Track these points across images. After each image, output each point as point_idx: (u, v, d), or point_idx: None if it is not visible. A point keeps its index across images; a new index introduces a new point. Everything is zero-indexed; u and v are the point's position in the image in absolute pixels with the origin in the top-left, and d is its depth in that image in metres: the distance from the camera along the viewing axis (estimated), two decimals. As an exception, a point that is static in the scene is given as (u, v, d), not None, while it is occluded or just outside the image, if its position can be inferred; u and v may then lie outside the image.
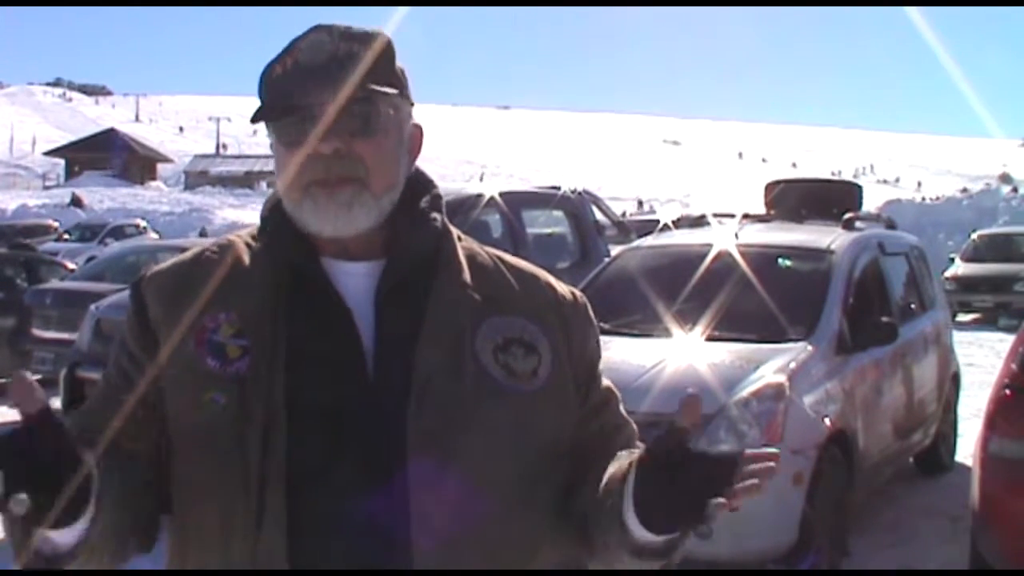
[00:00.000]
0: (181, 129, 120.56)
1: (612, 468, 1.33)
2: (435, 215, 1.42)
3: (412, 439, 1.28)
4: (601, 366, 1.50)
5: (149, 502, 1.32)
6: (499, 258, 1.47)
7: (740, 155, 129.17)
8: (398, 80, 1.37)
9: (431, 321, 1.34)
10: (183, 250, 1.49)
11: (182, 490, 1.34)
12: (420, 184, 1.44)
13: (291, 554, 1.26)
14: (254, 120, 1.37)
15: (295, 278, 1.36)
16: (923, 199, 35.63)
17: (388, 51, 1.37)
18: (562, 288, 1.49)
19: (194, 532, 1.32)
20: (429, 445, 1.28)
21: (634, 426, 1.49)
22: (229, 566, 1.28)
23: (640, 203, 46.93)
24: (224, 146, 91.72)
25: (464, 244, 1.45)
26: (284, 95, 1.33)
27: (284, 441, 1.28)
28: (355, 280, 1.37)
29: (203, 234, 28.21)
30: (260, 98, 1.37)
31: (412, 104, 1.41)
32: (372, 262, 1.37)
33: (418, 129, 1.43)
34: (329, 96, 1.30)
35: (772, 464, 1.19)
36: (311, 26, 1.37)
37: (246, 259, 1.39)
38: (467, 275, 1.40)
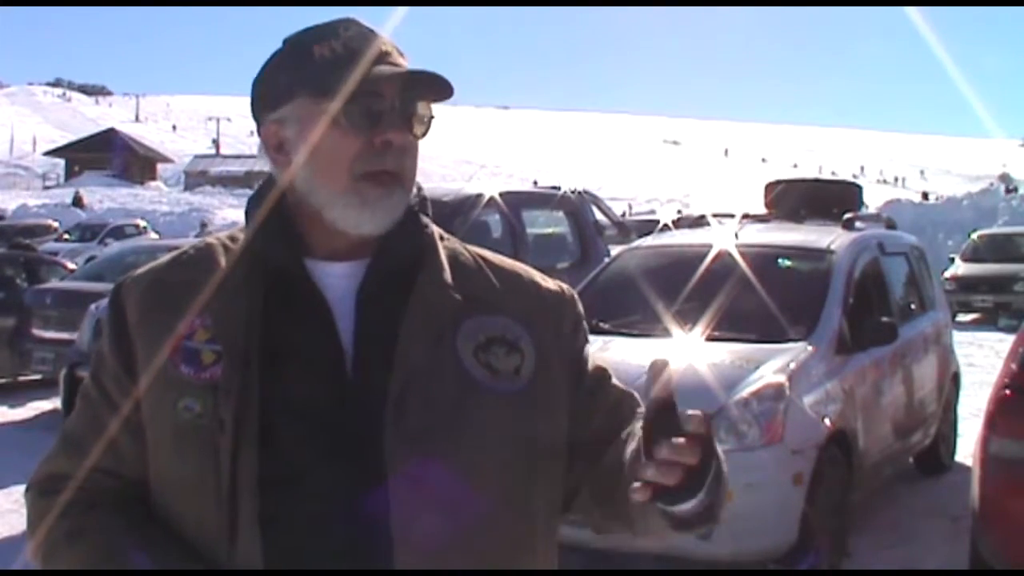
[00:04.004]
0: (174, 128, 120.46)
1: (631, 446, 1.31)
2: (424, 216, 1.42)
3: (393, 440, 1.27)
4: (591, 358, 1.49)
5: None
6: (482, 257, 1.46)
7: (726, 152, 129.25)
8: None
9: (411, 321, 1.33)
10: (182, 250, 1.48)
11: (158, 492, 1.33)
12: None
13: (268, 558, 1.25)
14: (285, 96, 1.33)
15: (276, 279, 1.34)
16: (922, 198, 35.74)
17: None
18: (547, 283, 1.48)
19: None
20: (411, 446, 1.27)
21: (633, 393, 1.47)
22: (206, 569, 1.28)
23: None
24: (214, 142, 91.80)
25: (446, 244, 1.44)
26: (348, 77, 1.29)
27: (256, 447, 1.26)
28: (336, 281, 1.35)
29: (203, 224, 28.25)
30: (296, 76, 1.32)
31: None
32: (354, 262, 1.36)
33: None
34: (396, 87, 1.30)
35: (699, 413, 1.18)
36: (341, 18, 1.36)
37: (223, 261, 1.37)
38: (448, 275, 1.39)
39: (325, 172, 1.31)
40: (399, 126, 1.30)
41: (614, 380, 1.48)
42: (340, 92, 1.29)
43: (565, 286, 1.50)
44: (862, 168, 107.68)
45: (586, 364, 1.46)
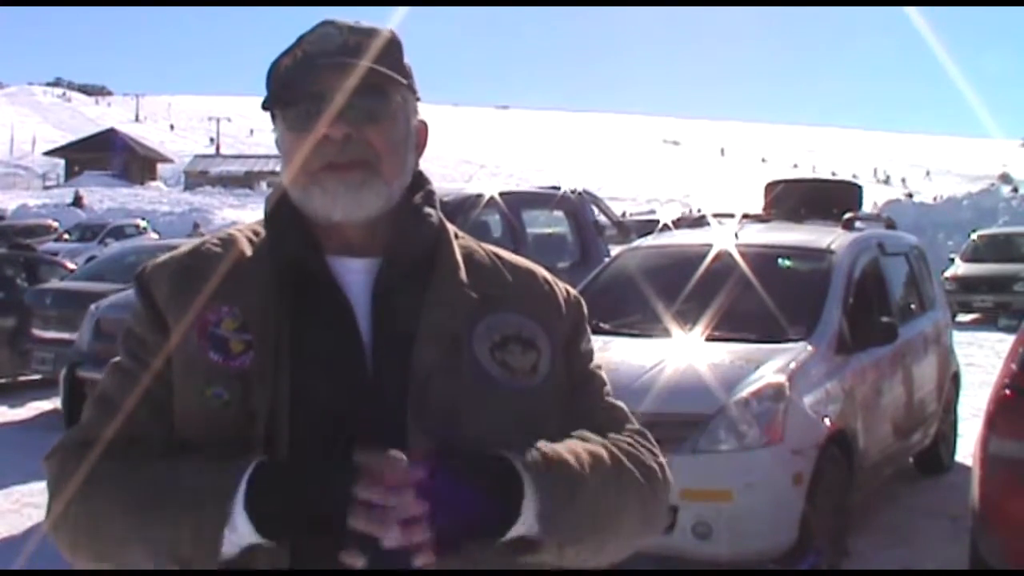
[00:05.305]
0: (172, 127, 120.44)
1: None
2: (430, 211, 1.43)
3: (413, 438, 1.28)
4: (594, 363, 1.50)
5: None
6: (496, 255, 1.47)
7: (722, 152, 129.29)
8: (406, 73, 1.39)
9: (427, 320, 1.34)
10: (182, 249, 1.47)
11: None
12: (415, 180, 1.44)
13: (293, 557, 1.25)
14: (265, 107, 1.38)
15: (297, 274, 1.36)
16: (910, 195, 35.88)
17: (396, 44, 1.39)
18: (558, 284, 1.50)
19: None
20: (430, 444, 1.28)
21: (620, 406, 1.48)
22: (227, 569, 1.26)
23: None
24: (211, 140, 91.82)
25: (461, 242, 1.46)
26: (294, 83, 1.34)
27: (287, 439, 1.28)
28: (355, 276, 1.37)
29: (196, 225, 28.22)
30: (269, 89, 1.38)
31: (418, 99, 1.43)
32: (371, 259, 1.38)
33: (423, 125, 1.44)
34: (340, 82, 1.31)
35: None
36: (319, 22, 1.39)
37: (248, 253, 1.38)
38: (463, 273, 1.40)
39: (292, 173, 1.36)
40: (333, 120, 1.31)
41: (605, 391, 1.48)
42: (283, 99, 1.35)
43: (572, 290, 1.52)
44: (875, 171, 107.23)
45: (581, 367, 1.47)
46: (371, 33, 1.37)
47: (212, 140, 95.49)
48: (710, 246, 6.12)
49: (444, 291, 1.37)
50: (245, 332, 1.31)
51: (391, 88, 1.36)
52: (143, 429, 1.32)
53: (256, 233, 1.43)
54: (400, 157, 1.38)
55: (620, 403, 1.49)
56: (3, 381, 10.90)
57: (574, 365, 1.45)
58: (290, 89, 1.34)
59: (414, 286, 1.37)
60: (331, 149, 1.32)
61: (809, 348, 5.19)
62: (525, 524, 1.25)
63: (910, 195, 38.01)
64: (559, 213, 9.01)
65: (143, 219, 30.30)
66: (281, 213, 1.40)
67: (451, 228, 1.46)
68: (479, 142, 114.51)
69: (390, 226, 1.38)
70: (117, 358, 1.40)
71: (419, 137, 1.43)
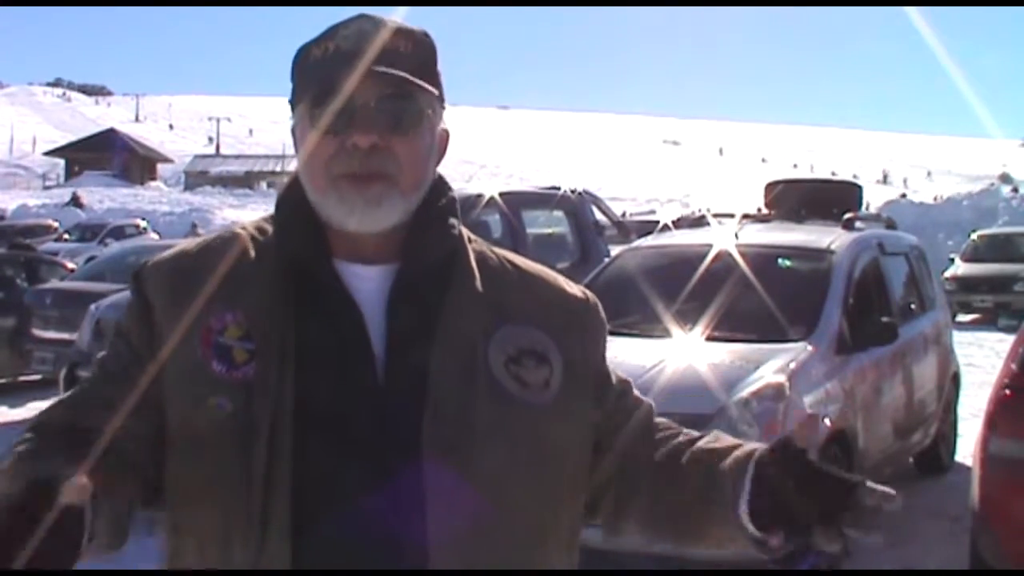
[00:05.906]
0: (172, 127, 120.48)
1: (701, 454, 1.40)
2: (452, 220, 1.39)
3: (427, 446, 1.26)
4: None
5: (128, 501, 1.24)
6: (509, 261, 1.44)
7: (720, 151, 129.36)
8: (437, 81, 1.36)
9: (444, 329, 1.31)
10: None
11: (179, 491, 1.29)
12: (436, 186, 1.40)
13: (296, 560, 1.24)
14: (292, 101, 1.34)
15: (304, 277, 1.32)
16: (902, 195, 35.94)
17: (431, 50, 1.35)
18: (573, 289, 1.47)
19: (191, 535, 1.28)
20: (444, 453, 1.26)
21: (650, 403, 1.50)
22: (229, 569, 1.25)
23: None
24: (210, 140, 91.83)
25: (474, 246, 1.42)
26: (326, 79, 1.29)
27: (290, 447, 1.24)
28: (366, 283, 1.33)
29: (194, 225, 28.23)
30: (295, 80, 1.35)
31: (444, 107, 1.39)
32: (385, 266, 1.34)
33: (445, 132, 1.40)
34: (373, 87, 1.28)
35: (894, 492, 1.24)
36: (353, 15, 1.35)
37: (253, 254, 1.34)
38: (479, 283, 1.37)
39: (310, 173, 1.33)
40: (366, 127, 1.28)
41: (635, 391, 1.50)
42: (312, 95, 1.31)
43: (589, 293, 1.50)
44: (885, 174, 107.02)
45: (609, 373, 1.46)
46: (408, 35, 1.33)
47: (212, 140, 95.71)
48: (710, 246, 6.13)
49: (461, 300, 1.34)
50: (248, 340, 1.28)
51: (423, 98, 1.32)
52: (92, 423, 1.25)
53: (262, 231, 1.38)
54: (421, 168, 1.34)
55: (647, 399, 1.52)
56: (3, 381, 10.90)
57: (603, 370, 1.45)
58: (320, 84, 1.30)
59: (430, 294, 1.33)
60: (355, 157, 1.28)
61: (809, 348, 5.19)
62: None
63: (904, 195, 38.06)
64: (559, 213, 9.02)
65: (143, 219, 30.27)
66: (290, 211, 1.36)
67: (465, 232, 1.43)
68: (479, 142, 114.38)
69: (405, 234, 1.35)
70: (103, 353, 1.36)
71: (441, 144, 1.39)
